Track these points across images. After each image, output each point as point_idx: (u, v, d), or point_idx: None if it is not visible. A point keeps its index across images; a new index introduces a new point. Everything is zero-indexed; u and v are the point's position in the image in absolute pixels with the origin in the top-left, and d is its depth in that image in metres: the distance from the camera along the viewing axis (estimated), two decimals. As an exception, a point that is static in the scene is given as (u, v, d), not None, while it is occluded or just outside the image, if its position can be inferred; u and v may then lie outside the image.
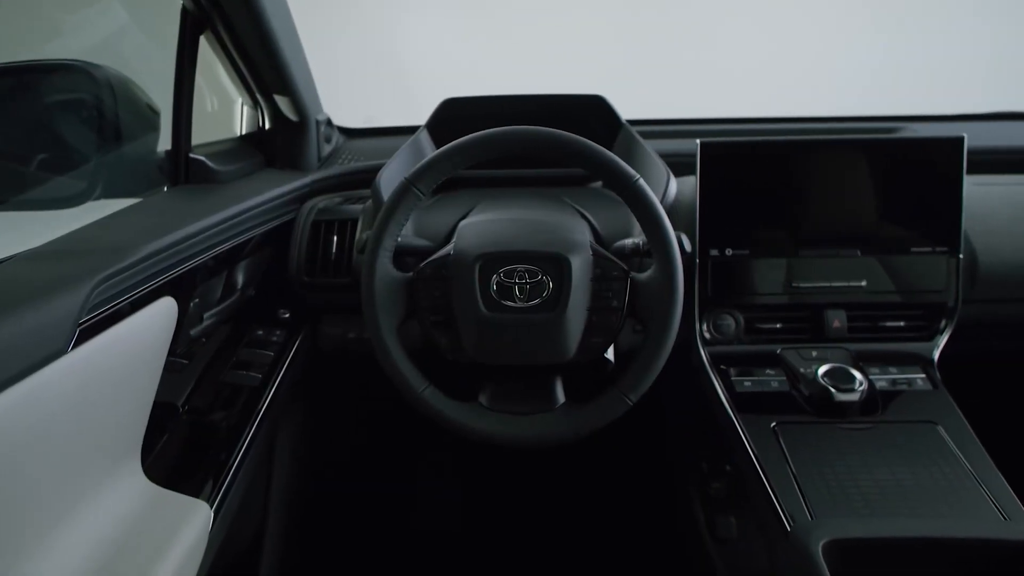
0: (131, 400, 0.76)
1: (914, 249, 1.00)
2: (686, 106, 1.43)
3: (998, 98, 1.40)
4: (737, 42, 1.83)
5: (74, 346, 0.64)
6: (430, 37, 1.92)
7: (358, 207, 1.13)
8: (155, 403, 0.81)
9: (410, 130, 1.22)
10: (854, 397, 0.89)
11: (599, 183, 1.19)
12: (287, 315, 1.13)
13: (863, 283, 1.01)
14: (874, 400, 0.92)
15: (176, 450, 0.88)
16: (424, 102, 1.21)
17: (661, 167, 1.06)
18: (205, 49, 1.09)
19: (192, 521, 0.77)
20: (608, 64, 1.84)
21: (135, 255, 0.75)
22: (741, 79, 1.79)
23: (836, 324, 1.02)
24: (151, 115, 1.07)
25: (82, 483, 0.70)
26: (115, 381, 0.72)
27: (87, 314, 0.67)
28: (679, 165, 1.09)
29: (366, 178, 1.13)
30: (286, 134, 1.24)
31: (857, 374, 0.91)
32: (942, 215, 0.99)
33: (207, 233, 0.90)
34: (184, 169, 1.04)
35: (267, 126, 1.25)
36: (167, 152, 1.06)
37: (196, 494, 0.81)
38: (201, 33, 1.03)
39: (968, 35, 1.77)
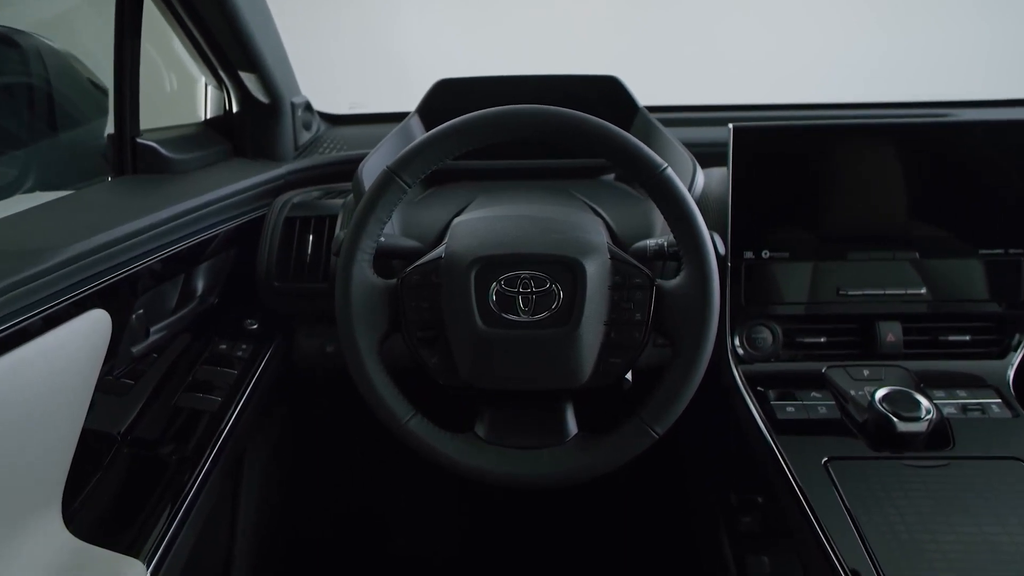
0: (47, 436, 0.63)
1: (983, 251, 0.89)
2: (690, 100, 1.33)
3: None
4: (741, 33, 1.77)
5: None
6: (424, 22, 1.86)
7: (338, 202, 1.02)
8: (86, 435, 0.69)
9: (401, 116, 1.12)
10: (921, 427, 0.76)
11: (611, 176, 1.08)
12: (255, 326, 1.03)
13: (922, 290, 0.89)
14: (943, 431, 0.79)
15: (110, 493, 0.75)
16: (416, 88, 1.12)
17: (686, 156, 0.95)
18: (160, 19, 0.96)
19: None
20: (609, 57, 1.77)
21: (51, 259, 0.63)
22: (744, 70, 1.71)
23: (890, 338, 0.90)
24: (96, 94, 0.94)
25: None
26: (23, 415, 0.60)
27: None
28: (702, 156, 0.98)
29: (348, 169, 1.02)
30: (256, 118, 1.12)
31: (922, 399, 0.79)
32: (1016, 212, 0.88)
33: (154, 232, 0.79)
34: (130, 156, 0.91)
35: (234, 109, 1.12)
36: (109, 137, 0.93)
37: (130, 549, 0.68)
38: (145, -5, 0.89)
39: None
